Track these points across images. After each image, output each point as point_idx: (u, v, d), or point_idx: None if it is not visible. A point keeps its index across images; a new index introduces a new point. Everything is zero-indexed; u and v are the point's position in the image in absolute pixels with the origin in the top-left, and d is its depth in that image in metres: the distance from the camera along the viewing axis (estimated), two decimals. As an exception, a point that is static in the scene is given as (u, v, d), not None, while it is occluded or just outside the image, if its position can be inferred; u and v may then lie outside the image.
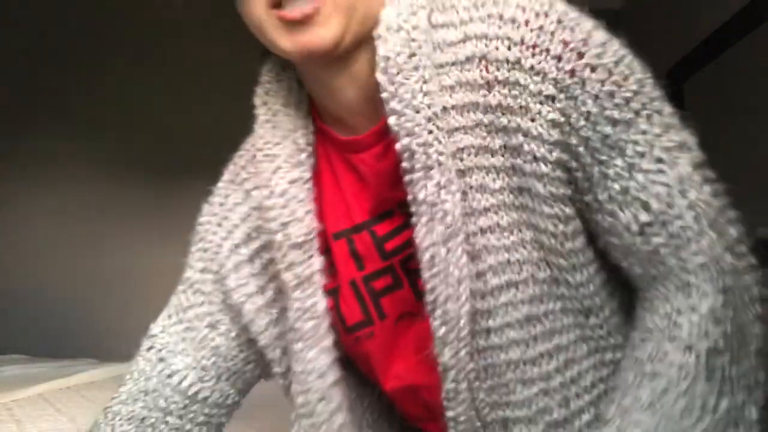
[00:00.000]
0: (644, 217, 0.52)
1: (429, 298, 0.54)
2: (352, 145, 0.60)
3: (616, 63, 0.52)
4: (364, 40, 0.55)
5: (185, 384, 0.67)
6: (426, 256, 0.53)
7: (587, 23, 0.54)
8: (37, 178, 2.74)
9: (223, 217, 0.70)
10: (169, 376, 0.68)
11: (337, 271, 0.62)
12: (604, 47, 0.52)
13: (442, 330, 0.53)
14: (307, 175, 0.62)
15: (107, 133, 2.77)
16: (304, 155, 0.62)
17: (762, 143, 1.88)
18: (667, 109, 0.58)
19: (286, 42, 0.54)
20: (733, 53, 2.04)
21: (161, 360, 0.69)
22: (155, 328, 0.75)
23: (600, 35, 0.54)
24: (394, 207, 0.59)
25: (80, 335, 2.61)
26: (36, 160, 2.75)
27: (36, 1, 2.87)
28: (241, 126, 2.99)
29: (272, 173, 0.61)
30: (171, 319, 0.74)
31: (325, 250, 0.62)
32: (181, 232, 3.31)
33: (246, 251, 0.66)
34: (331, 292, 0.62)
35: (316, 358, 0.59)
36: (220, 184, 0.76)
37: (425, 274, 0.53)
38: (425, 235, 0.53)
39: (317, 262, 0.60)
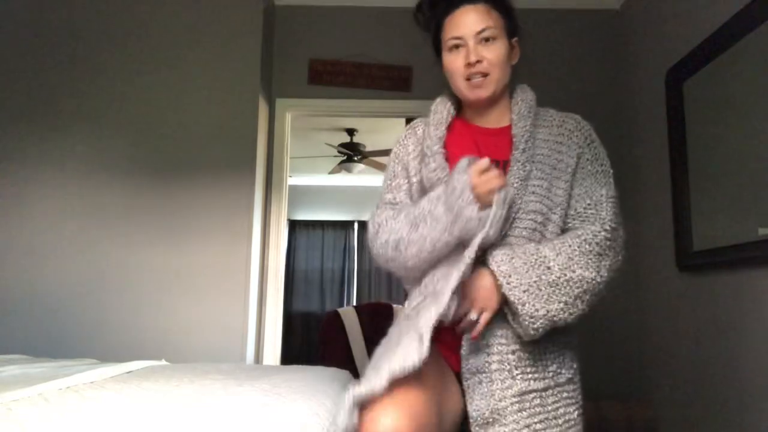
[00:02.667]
0: (597, 195, 1.30)
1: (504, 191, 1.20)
2: (487, 131, 1.37)
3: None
4: (500, 96, 1.36)
5: None
6: (511, 180, 1.25)
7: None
8: (38, 178, 2.75)
9: (406, 145, 1.44)
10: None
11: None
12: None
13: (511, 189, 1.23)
14: (444, 132, 1.37)
15: (108, 133, 2.78)
16: (444, 126, 1.37)
17: (762, 143, 1.88)
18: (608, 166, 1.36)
19: (469, 93, 1.33)
20: (733, 53, 2.04)
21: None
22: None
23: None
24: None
25: (80, 335, 2.61)
26: (36, 160, 2.76)
27: (36, 2, 2.88)
28: (240, 127, 3.01)
29: (432, 127, 1.37)
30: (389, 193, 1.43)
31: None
32: (180, 232, 3.33)
33: (414, 155, 1.41)
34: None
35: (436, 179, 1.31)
36: (402, 135, 1.47)
37: (511, 180, 1.25)
38: (514, 173, 1.26)
39: (442, 161, 1.32)
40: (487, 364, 1.19)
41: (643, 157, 2.80)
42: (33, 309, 2.64)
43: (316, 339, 5.11)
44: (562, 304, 1.17)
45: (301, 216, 7.07)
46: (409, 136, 1.44)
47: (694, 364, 2.30)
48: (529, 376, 1.20)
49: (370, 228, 1.35)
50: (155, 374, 1.67)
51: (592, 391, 2.74)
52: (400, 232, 1.27)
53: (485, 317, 1.18)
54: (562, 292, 1.17)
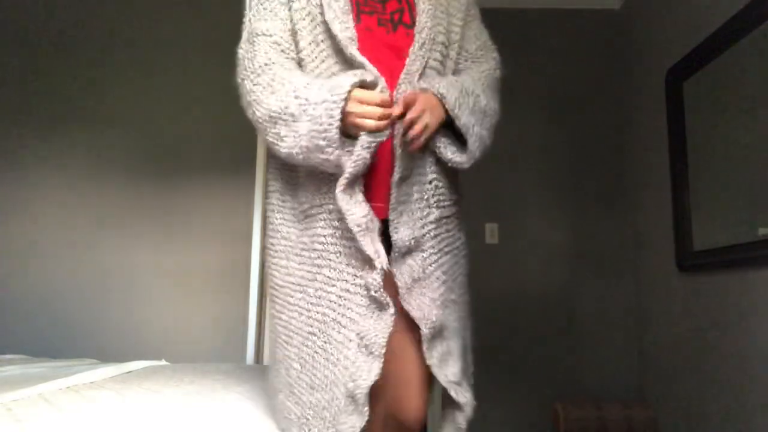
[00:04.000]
0: (484, 38, 1.35)
1: (417, 27, 1.21)
2: None
3: None
4: None
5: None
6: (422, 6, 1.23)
7: None
8: (38, 178, 2.75)
9: None
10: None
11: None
12: None
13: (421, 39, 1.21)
14: None
15: (108, 133, 2.78)
16: None
17: (762, 143, 1.88)
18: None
19: None
20: (733, 53, 2.04)
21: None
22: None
23: None
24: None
25: (80, 335, 2.61)
26: (36, 161, 2.76)
27: (36, 3, 2.88)
28: (240, 128, 3.01)
29: None
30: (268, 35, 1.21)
31: None
32: (180, 232, 3.33)
33: None
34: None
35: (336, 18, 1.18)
36: None
37: (420, 17, 1.22)
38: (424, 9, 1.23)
39: (347, 7, 1.18)
40: (407, 196, 1.19)
41: (643, 157, 2.79)
42: (33, 309, 2.64)
43: (316, 339, 5.10)
44: (486, 132, 1.23)
45: (301, 216, 7.07)
46: None
47: (694, 365, 2.30)
48: (443, 203, 1.25)
49: (247, 86, 1.17)
50: (155, 374, 1.67)
51: (593, 392, 2.75)
52: (274, 120, 1.12)
53: (433, 126, 1.14)
54: (487, 120, 1.24)
